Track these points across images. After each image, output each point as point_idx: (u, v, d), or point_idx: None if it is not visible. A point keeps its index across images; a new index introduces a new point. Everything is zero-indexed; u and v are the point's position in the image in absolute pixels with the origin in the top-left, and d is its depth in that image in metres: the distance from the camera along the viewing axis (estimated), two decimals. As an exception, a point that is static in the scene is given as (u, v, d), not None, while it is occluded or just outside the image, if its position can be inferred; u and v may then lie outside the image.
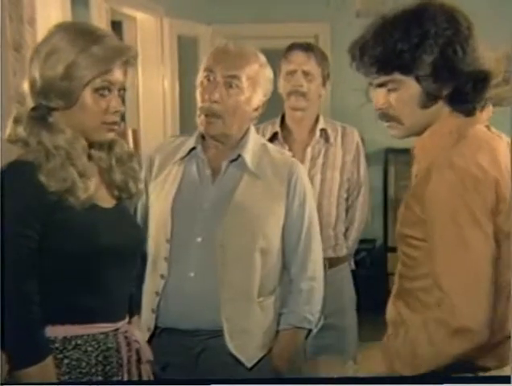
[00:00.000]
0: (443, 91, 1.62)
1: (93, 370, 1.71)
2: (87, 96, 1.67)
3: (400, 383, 1.68)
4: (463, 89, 1.62)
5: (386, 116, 1.68)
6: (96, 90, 1.68)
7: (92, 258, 1.68)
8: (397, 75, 1.62)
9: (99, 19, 3.91)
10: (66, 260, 1.67)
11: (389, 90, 1.65)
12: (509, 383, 1.57)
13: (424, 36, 1.59)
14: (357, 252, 3.24)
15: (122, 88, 1.74)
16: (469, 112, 1.66)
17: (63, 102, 1.67)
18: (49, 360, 1.65)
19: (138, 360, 1.82)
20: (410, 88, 1.62)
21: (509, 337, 1.59)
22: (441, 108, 1.65)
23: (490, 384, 1.61)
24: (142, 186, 1.91)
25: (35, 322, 1.65)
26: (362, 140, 3.13)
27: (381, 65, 1.62)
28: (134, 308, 1.92)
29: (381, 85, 1.66)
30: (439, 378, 1.65)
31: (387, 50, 1.60)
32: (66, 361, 1.69)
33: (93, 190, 1.69)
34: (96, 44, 1.67)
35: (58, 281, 1.68)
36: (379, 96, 1.67)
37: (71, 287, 1.69)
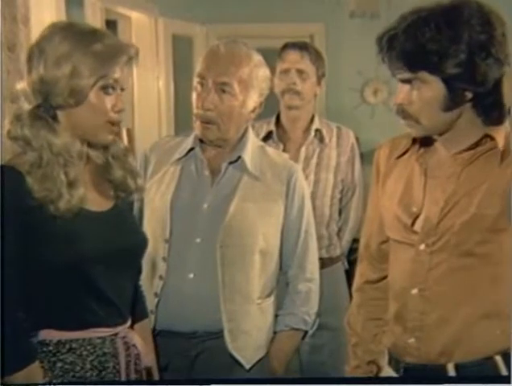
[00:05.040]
0: (467, 94, 1.60)
1: (88, 374, 1.68)
2: (94, 94, 1.67)
3: (400, 383, 1.68)
4: (489, 95, 1.60)
5: (403, 112, 1.65)
6: (102, 88, 1.67)
7: (80, 264, 1.65)
8: (423, 74, 1.60)
9: (93, 19, 3.90)
10: (54, 266, 1.64)
11: (412, 87, 1.62)
12: (509, 383, 1.58)
13: (456, 39, 1.56)
14: (352, 251, 3.24)
15: (122, 88, 1.73)
16: (497, 120, 1.64)
17: (73, 100, 1.65)
18: (34, 367, 1.62)
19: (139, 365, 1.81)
20: (435, 88, 1.60)
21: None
22: (464, 112, 1.63)
23: (490, 384, 1.61)
24: (141, 181, 1.87)
25: (18, 329, 1.61)
26: (357, 140, 3.14)
27: (408, 61, 1.59)
28: (138, 311, 1.89)
29: (404, 81, 1.63)
30: (439, 378, 1.65)
31: (417, 47, 1.57)
32: (59, 364, 1.66)
33: (77, 201, 1.65)
34: (99, 43, 1.66)
35: (50, 287, 1.65)
36: (401, 92, 1.64)
37: (63, 293, 1.66)
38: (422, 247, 1.69)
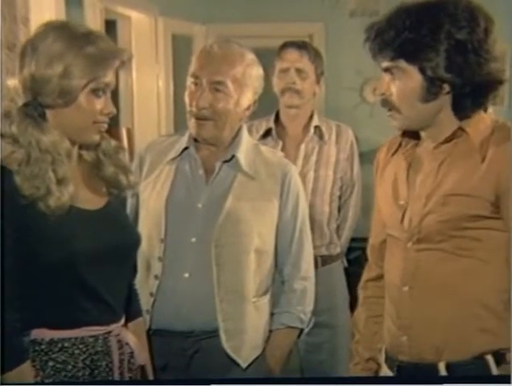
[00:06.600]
0: (445, 87, 1.62)
1: (80, 373, 1.68)
2: (84, 96, 1.68)
3: (400, 383, 1.68)
4: (465, 90, 1.62)
5: (387, 103, 1.68)
6: (93, 91, 1.68)
7: (73, 262, 1.65)
8: (401, 63, 1.63)
9: (93, 18, 3.90)
10: (47, 265, 1.64)
11: (393, 77, 1.65)
12: (509, 383, 1.57)
13: (436, 30, 1.58)
14: (351, 250, 3.25)
15: (112, 89, 1.74)
16: (466, 115, 1.66)
17: (62, 100, 1.66)
18: (25, 366, 1.62)
19: (133, 364, 1.81)
20: (412, 78, 1.63)
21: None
22: (444, 107, 1.65)
23: (490, 384, 1.61)
24: (133, 178, 1.87)
25: (10, 328, 1.60)
26: (356, 139, 3.15)
27: (388, 50, 1.63)
28: (132, 309, 1.89)
29: (386, 70, 1.66)
30: (439, 378, 1.65)
31: (396, 36, 1.60)
32: (51, 363, 1.66)
33: (68, 199, 1.65)
34: (93, 45, 1.67)
35: (42, 286, 1.65)
36: (383, 82, 1.68)
37: (56, 292, 1.66)
38: (409, 244, 1.71)
